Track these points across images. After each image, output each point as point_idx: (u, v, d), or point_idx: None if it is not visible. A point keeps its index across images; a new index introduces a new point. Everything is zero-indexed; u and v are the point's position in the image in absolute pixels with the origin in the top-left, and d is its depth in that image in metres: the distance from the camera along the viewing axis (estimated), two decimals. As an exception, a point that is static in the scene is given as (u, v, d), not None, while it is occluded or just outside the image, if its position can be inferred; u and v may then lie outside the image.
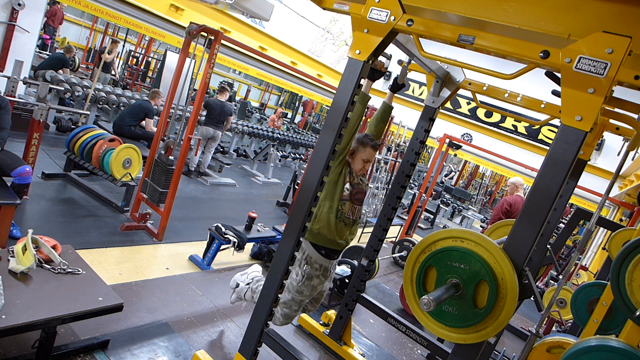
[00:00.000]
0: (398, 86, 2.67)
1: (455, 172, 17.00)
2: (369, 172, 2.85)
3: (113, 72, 10.01)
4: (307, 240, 2.52)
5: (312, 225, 2.48)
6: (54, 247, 2.38)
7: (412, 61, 2.67)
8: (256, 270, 3.21)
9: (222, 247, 4.01)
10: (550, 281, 6.24)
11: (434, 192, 11.05)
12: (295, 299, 2.58)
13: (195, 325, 3.06)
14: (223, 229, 4.01)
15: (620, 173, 6.36)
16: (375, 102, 8.79)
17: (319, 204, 2.47)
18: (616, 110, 2.43)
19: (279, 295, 2.30)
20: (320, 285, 2.63)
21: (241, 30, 7.66)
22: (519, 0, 1.63)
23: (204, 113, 6.77)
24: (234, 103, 14.41)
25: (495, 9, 1.68)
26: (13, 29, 5.04)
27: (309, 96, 11.21)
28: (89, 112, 6.55)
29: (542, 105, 2.70)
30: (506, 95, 2.72)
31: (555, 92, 2.30)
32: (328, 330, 3.32)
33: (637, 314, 1.59)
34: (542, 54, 1.59)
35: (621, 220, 7.36)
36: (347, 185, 2.48)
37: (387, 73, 9.39)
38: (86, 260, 2.53)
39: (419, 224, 9.14)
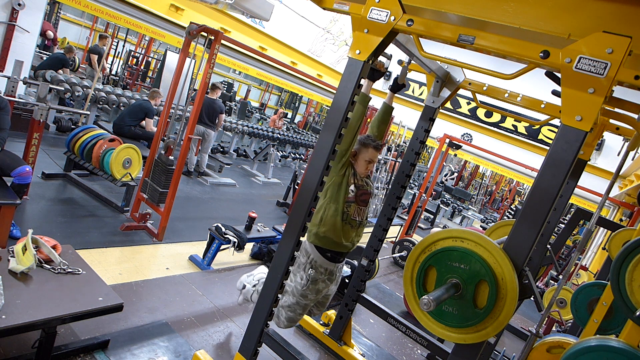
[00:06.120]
0: (398, 86, 2.67)
1: (455, 172, 16.99)
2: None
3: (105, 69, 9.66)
4: (312, 243, 2.49)
5: (317, 228, 2.45)
6: (54, 247, 2.38)
7: (412, 61, 2.67)
8: (262, 271, 3.17)
9: (222, 247, 4.01)
10: (550, 281, 6.24)
11: (434, 192, 11.05)
12: (299, 302, 2.54)
13: (195, 325, 3.06)
14: (223, 229, 4.01)
15: (620, 173, 6.36)
16: (376, 102, 8.79)
17: (324, 207, 2.44)
18: (616, 110, 2.42)
19: (283, 299, 2.28)
20: (326, 289, 2.60)
21: (241, 30, 7.65)
22: (519, 0, 1.63)
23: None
24: (234, 103, 14.41)
25: (495, 9, 1.68)
26: (13, 29, 5.04)
27: (309, 96, 11.21)
28: (89, 112, 6.55)
29: (542, 105, 2.69)
30: (506, 95, 2.72)
31: (555, 92, 2.30)
32: (328, 330, 3.32)
33: (637, 314, 1.59)
34: (542, 54, 1.59)
35: (621, 220, 7.37)
36: (352, 187, 2.47)
37: (387, 73, 9.40)
38: (86, 260, 2.53)
39: (419, 224, 9.14)
